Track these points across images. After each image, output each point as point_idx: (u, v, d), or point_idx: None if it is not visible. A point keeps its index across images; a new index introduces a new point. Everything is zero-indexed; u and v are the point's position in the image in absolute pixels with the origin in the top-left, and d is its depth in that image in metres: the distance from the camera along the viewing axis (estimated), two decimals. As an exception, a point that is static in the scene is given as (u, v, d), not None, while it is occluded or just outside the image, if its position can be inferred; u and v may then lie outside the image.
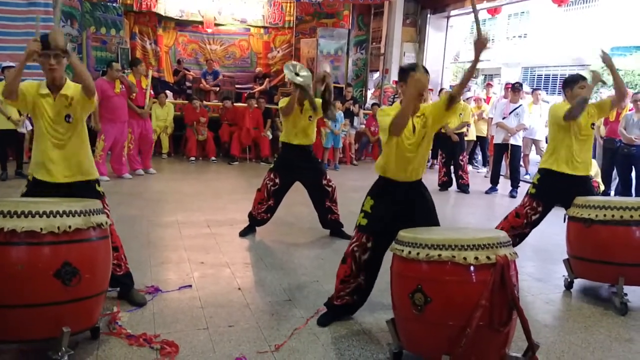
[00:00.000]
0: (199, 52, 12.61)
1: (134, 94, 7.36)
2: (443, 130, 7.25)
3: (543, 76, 22.14)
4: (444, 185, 7.82)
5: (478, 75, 24.14)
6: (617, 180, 7.25)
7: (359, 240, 2.91)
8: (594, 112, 3.88)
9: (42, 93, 2.78)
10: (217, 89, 11.57)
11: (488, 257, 2.23)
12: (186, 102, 9.76)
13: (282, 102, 4.58)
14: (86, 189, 2.88)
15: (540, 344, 2.44)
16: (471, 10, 2.73)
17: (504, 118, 7.62)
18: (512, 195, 7.41)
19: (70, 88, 2.83)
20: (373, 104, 10.53)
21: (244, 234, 4.76)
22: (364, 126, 10.35)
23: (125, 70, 7.63)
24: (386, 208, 2.88)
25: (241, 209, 5.33)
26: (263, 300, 3.31)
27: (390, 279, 2.57)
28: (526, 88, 10.23)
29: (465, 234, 2.42)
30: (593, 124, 3.88)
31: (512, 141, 7.57)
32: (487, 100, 10.26)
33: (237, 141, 9.33)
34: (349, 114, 10.04)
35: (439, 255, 2.26)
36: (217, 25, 12.46)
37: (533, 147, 8.93)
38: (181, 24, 12.38)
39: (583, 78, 3.87)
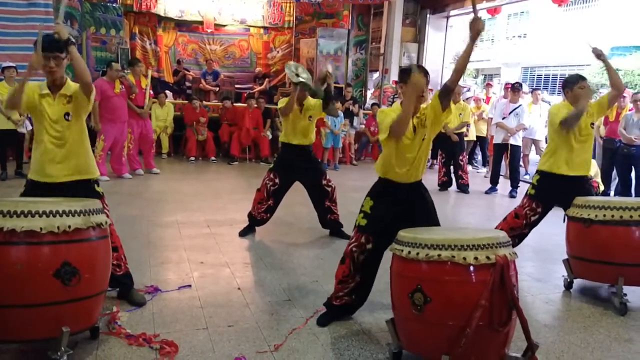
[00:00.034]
0: (198, 52, 12.61)
1: (134, 94, 7.37)
2: (443, 130, 7.24)
3: (543, 76, 22.17)
4: (444, 185, 7.82)
5: (478, 75, 24.18)
6: (616, 180, 7.25)
7: (358, 240, 2.90)
8: (594, 111, 3.88)
9: (42, 93, 2.81)
10: (217, 89, 11.58)
11: (488, 257, 2.23)
12: (186, 102, 9.77)
13: (282, 102, 4.59)
14: (85, 188, 2.89)
15: (539, 344, 2.44)
16: (471, 10, 2.73)
17: (503, 118, 7.62)
18: (512, 195, 7.41)
19: (71, 87, 2.86)
20: (373, 104, 10.54)
21: (243, 234, 4.76)
22: (363, 126, 10.35)
23: (125, 71, 7.62)
24: (386, 209, 2.87)
25: (241, 209, 5.33)
26: (262, 300, 3.31)
27: (390, 279, 2.57)
28: (525, 88, 10.24)
29: (465, 234, 2.42)
30: (592, 124, 3.88)
31: (511, 141, 7.57)
32: (487, 100, 10.27)
33: (237, 141, 9.33)
34: (349, 114, 10.05)
35: (439, 255, 2.26)
36: (216, 25, 12.46)
37: (533, 147, 8.94)
38: (181, 24, 12.37)
39: (583, 78, 3.87)
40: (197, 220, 5.21)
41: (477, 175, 9.25)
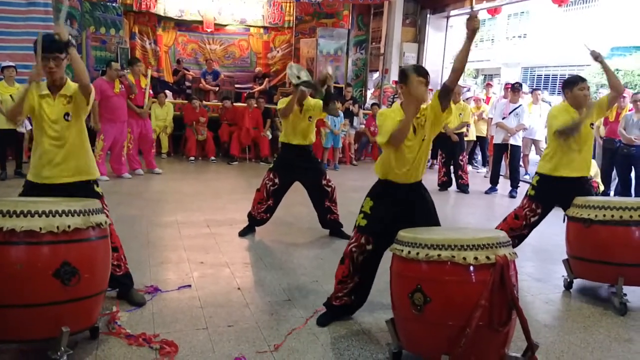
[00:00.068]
0: (198, 52, 12.61)
1: (134, 94, 7.36)
2: (443, 130, 7.23)
3: (543, 76, 22.16)
4: (444, 185, 7.82)
5: (478, 75, 24.18)
6: (616, 180, 7.25)
7: (358, 240, 2.90)
8: (593, 112, 3.87)
9: (42, 94, 2.80)
10: (217, 88, 11.57)
11: (487, 257, 2.23)
12: (186, 102, 9.76)
13: (281, 102, 4.58)
14: (85, 189, 2.88)
15: (539, 344, 2.44)
16: (470, 9, 2.72)
17: (503, 118, 7.62)
18: (512, 195, 7.41)
19: (71, 88, 2.86)
20: (373, 104, 10.53)
21: (243, 233, 4.76)
22: (363, 126, 10.35)
23: (125, 70, 7.62)
24: (386, 209, 2.87)
25: (241, 208, 5.33)
26: (262, 300, 3.31)
27: (389, 279, 2.57)
28: (525, 88, 10.24)
29: (465, 234, 2.42)
30: (592, 124, 3.88)
31: (511, 141, 7.57)
32: (487, 100, 10.26)
33: (237, 141, 9.33)
34: (349, 114, 10.04)
35: (439, 255, 2.26)
36: (216, 25, 12.46)
37: (533, 147, 8.93)
38: (181, 24, 12.37)
39: (583, 79, 3.86)
40: (197, 220, 5.21)
41: (477, 176, 9.26)
